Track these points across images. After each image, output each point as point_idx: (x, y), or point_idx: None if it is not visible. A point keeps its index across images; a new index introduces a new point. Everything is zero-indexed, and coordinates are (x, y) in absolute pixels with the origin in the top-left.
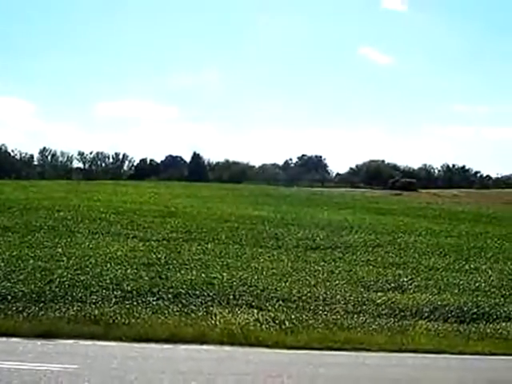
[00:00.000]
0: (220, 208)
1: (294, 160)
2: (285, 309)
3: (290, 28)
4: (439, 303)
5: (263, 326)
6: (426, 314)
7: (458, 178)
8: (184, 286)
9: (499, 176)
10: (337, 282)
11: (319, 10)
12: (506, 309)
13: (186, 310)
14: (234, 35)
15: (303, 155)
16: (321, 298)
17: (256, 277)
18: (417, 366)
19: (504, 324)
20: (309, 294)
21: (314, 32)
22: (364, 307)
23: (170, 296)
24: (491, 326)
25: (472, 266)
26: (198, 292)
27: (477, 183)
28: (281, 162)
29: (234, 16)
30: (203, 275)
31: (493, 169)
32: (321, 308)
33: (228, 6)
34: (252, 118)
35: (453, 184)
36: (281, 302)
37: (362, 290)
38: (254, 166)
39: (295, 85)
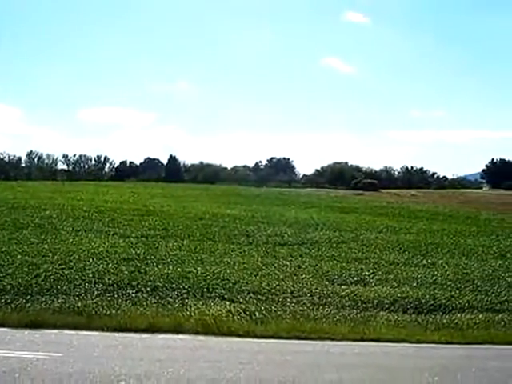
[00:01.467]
0: (195, 207)
1: (264, 162)
2: (255, 301)
3: (257, 39)
4: (399, 296)
5: (235, 317)
6: (387, 306)
7: (416, 178)
8: (161, 280)
9: (455, 177)
10: (303, 275)
11: (285, 22)
12: (461, 301)
13: (163, 302)
14: (205, 47)
15: (272, 158)
16: (289, 290)
17: (228, 271)
18: (378, 354)
19: (459, 315)
20: (277, 287)
21: (280, 43)
22: (329, 299)
23: (148, 289)
24: (447, 316)
25: (429, 260)
26: (174, 285)
27: (434, 184)
28: (251, 164)
29: (204, 29)
30: (179, 269)
31: (449, 170)
32: (289, 300)
33: (199, 21)
34: (224, 123)
35: (412, 184)
36: (251, 295)
37: (327, 283)
38: (226, 168)
39: (264, 92)
